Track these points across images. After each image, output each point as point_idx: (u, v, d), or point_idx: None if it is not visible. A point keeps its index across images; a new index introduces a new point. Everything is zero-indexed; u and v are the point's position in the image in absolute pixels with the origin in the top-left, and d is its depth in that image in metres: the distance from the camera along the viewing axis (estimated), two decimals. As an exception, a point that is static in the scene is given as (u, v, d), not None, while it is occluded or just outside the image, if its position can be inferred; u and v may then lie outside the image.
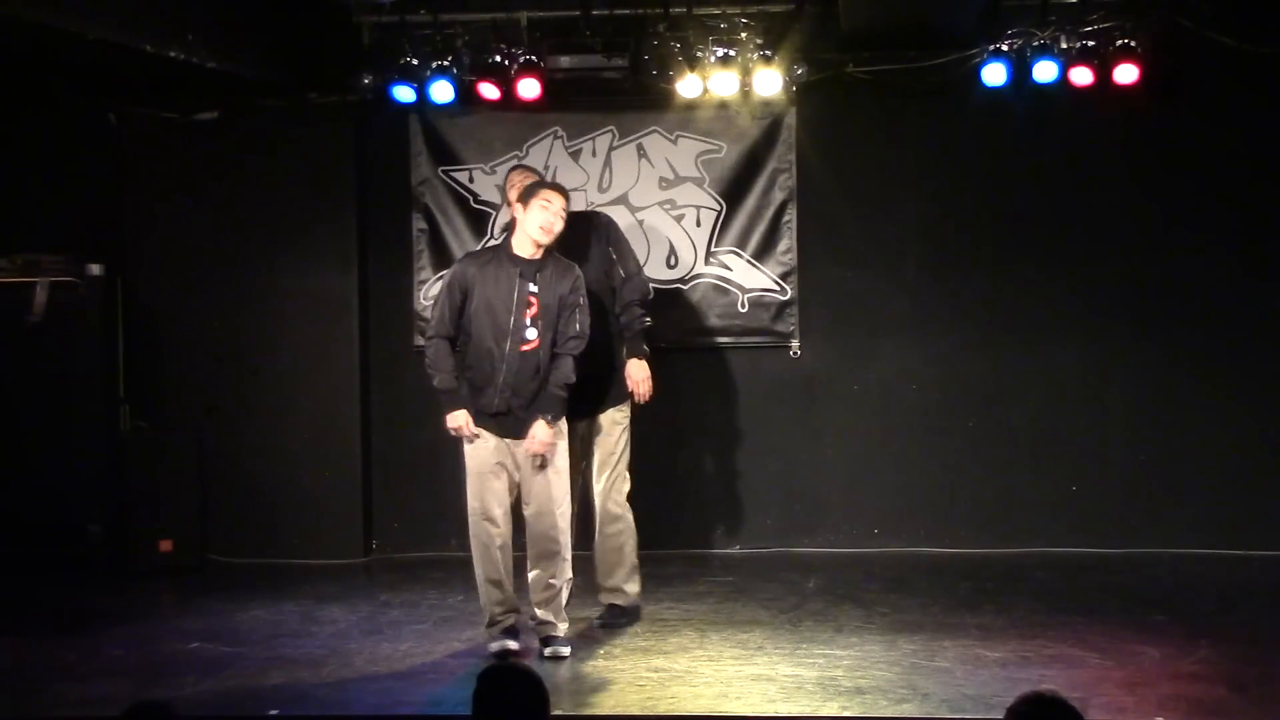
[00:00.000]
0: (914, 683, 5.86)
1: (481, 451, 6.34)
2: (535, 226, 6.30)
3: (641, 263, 7.24)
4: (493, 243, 8.28)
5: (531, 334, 6.27)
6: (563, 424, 6.40)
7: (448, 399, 6.36)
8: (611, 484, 6.83)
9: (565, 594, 6.46)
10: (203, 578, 8.31)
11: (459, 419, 6.31)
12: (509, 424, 6.31)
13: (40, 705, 5.88)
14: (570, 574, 6.48)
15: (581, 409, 6.68)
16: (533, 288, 6.28)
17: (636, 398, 6.83)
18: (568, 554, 6.42)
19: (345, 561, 8.58)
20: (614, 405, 6.83)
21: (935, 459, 8.68)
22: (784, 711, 5.57)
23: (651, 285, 7.03)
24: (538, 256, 6.35)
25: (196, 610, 7.43)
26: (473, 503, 6.38)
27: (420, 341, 7.92)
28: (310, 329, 8.72)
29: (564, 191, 6.47)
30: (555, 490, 6.35)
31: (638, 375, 6.80)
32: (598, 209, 7.58)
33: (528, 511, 6.39)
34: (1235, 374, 8.47)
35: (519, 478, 6.36)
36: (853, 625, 6.86)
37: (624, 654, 6.44)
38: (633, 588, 6.96)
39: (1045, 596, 7.40)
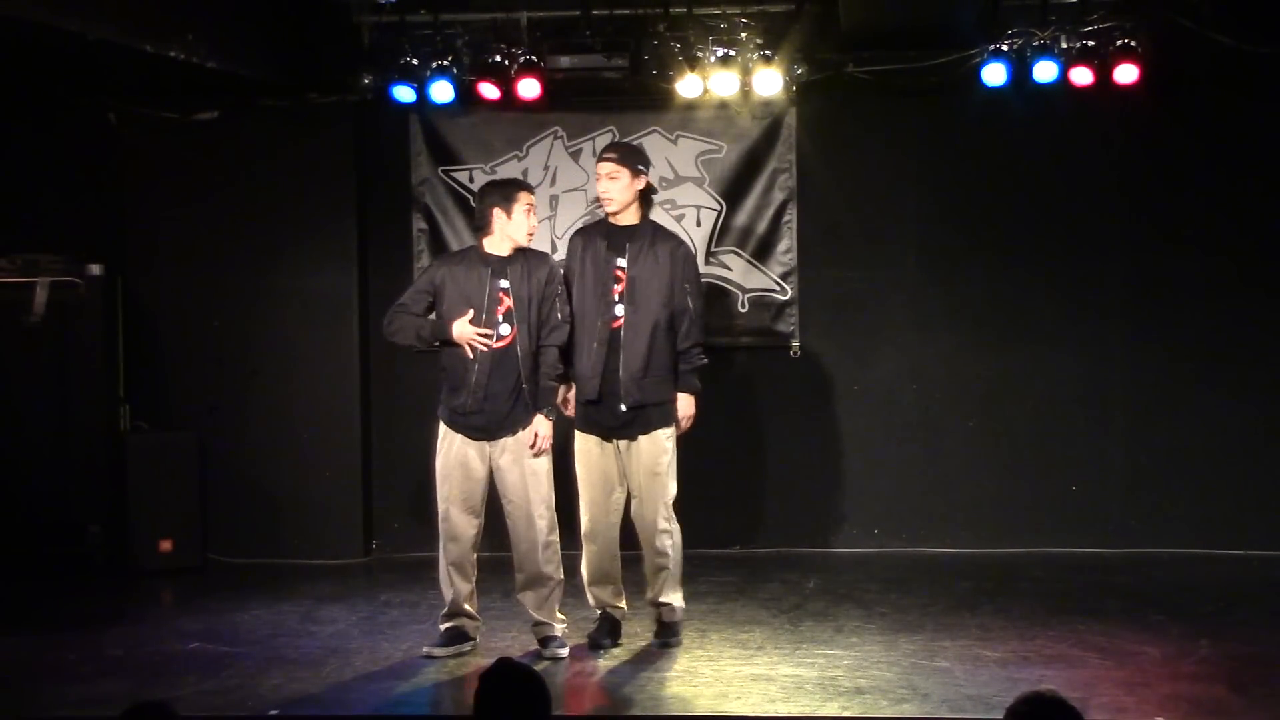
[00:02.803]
0: (914, 683, 5.86)
1: (451, 450, 6.33)
2: (522, 232, 6.33)
3: None
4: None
5: (505, 330, 6.26)
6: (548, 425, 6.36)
7: (433, 330, 6.33)
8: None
9: (558, 594, 6.41)
10: (203, 578, 8.31)
11: (461, 326, 6.21)
12: (480, 425, 6.28)
13: (40, 705, 5.87)
14: (560, 575, 6.41)
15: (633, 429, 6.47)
16: (504, 283, 6.28)
17: (681, 426, 6.57)
18: (552, 553, 6.36)
19: (345, 561, 8.58)
20: (662, 428, 6.52)
21: (935, 459, 8.68)
22: (784, 711, 5.57)
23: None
24: (509, 254, 6.36)
25: (196, 610, 7.42)
26: (440, 503, 6.41)
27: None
28: (310, 329, 8.72)
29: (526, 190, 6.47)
30: (535, 489, 6.31)
31: (689, 410, 6.55)
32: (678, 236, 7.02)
33: (507, 510, 6.38)
34: (1235, 374, 8.47)
35: (497, 478, 6.34)
36: (853, 625, 6.86)
37: (624, 654, 6.43)
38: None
39: (1045, 596, 7.40)
